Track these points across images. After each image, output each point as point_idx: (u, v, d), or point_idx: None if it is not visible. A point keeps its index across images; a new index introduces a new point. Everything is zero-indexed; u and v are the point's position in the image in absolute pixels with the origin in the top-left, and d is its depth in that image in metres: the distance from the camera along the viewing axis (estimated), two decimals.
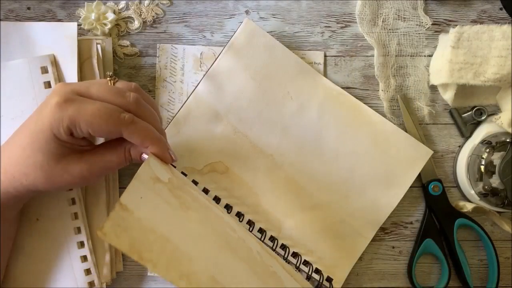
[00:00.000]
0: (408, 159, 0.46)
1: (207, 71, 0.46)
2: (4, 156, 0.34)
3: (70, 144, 0.34)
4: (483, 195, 0.45)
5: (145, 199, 0.31)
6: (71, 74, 0.42)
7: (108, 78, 0.37)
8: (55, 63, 0.43)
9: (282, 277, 0.38)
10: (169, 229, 0.31)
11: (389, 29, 0.48)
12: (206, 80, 0.46)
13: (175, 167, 0.45)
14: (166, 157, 0.36)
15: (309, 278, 0.43)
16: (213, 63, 0.46)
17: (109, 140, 0.38)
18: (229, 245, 0.35)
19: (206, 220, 0.36)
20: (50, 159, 0.33)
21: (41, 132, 0.33)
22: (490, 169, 0.44)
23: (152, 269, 0.27)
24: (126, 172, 0.45)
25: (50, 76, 0.42)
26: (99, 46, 0.44)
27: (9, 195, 0.35)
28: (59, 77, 0.42)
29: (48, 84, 0.42)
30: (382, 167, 0.46)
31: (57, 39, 0.43)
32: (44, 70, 0.42)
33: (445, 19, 0.48)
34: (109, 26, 0.45)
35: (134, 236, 0.27)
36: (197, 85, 0.46)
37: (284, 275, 0.38)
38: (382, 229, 0.46)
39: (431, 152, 0.46)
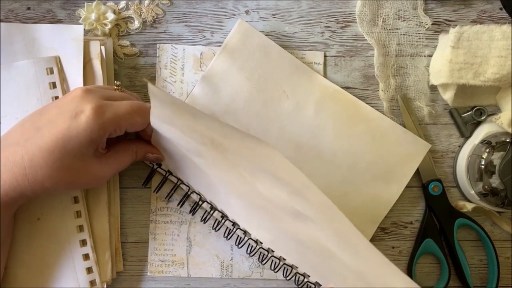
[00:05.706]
0: (406, 153, 0.46)
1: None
2: (24, 159, 0.35)
3: (96, 148, 0.37)
4: (483, 195, 0.45)
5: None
6: (76, 75, 0.43)
7: (115, 87, 0.41)
8: (60, 64, 0.43)
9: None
10: None
11: (389, 29, 0.48)
12: (202, 82, 0.46)
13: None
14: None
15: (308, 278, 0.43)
16: (210, 65, 0.46)
17: (117, 144, 0.40)
18: None
19: None
20: (77, 162, 0.36)
21: (76, 136, 0.35)
22: (490, 169, 0.44)
23: None
24: (126, 172, 0.45)
25: (55, 77, 0.42)
26: (103, 48, 0.44)
27: (24, 197, 0.36)
28: (64, 79, 0.43)
29: (53, 85, 0.42)
30: (381, 163, 0.46)
31: (62, 41, 0.43)
32: (50, 71, 0.42)
33: (445, 19, 0.48)
34: (109, 26, 0.45)
35: None
36: (193, 88, 0.46)
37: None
38: (382, 229, 0.46)
39: (429, 145, 0.46)
